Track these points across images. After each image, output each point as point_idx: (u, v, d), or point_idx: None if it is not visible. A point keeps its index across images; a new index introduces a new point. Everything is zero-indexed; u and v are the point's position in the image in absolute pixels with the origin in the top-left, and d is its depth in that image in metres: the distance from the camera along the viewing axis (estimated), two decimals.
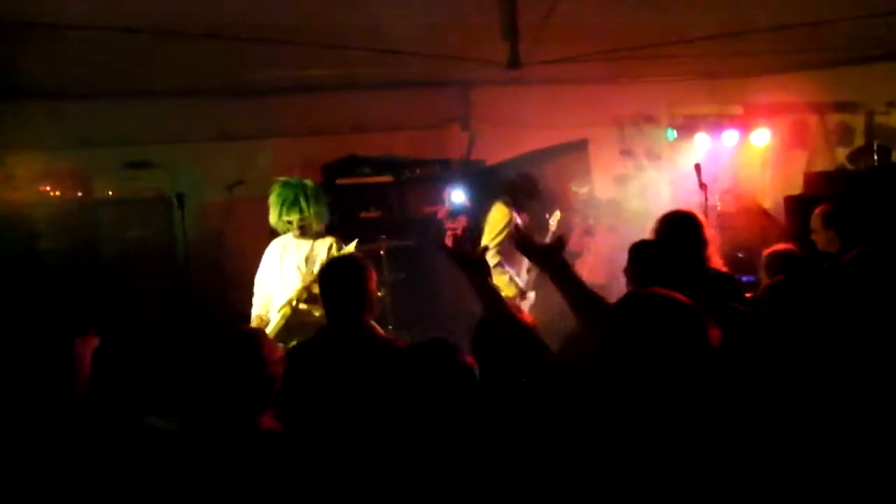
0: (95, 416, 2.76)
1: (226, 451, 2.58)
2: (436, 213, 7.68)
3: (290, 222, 4.98)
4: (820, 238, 5.24)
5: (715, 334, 2.14)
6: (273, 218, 5.05)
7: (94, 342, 3.01)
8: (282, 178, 5.10)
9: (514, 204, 6.55)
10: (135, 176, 7.55)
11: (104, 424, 2.76)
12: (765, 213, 8.00)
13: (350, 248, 4.81)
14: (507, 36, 5.85)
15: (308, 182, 5.08)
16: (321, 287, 3.62)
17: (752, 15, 6.05)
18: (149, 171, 7.58)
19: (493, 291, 3.09)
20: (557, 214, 7.28)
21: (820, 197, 6.26)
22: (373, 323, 3.63)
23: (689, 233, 4.04)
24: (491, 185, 7.36)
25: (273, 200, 5.03)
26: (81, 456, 2.60)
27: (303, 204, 4.93)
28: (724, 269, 4.19)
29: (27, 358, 2.72)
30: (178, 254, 7.18)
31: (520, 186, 6.65)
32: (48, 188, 7.13)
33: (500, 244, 6.37)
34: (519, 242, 3.09)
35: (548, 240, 7.07)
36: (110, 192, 7.44)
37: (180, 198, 6.02)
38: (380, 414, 2.60)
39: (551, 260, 2.95)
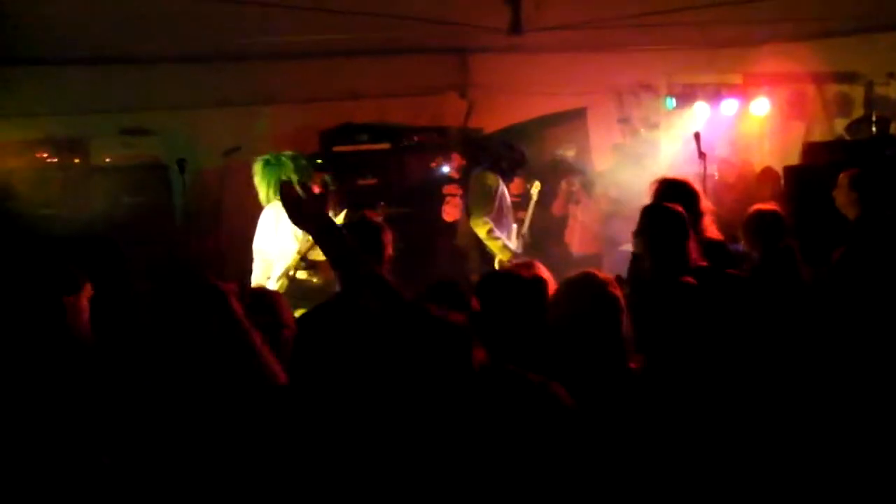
0: (108, 363, 2.80)
1: (241, 404, 2.58)
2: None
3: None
4: (841, 196, 5.31)
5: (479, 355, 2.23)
6: (262, 199, 5.12)
7: (88, 293, 3.03)
8: (262, 158, 5.13)
9: (501, 173, 6.77)
10: (131, 143, 7.51)
11: (116, 371, 2.79)
12: (761, 180, 7.99)
13: (339, 219, 4.81)
14: (509, 1, 5.80)
15: (286, 160, 5.07)
16: None
17: None
18: (145, 138, 7.53)
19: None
20: (537, 184, 7.42)
21: (819, 167, 6.27)
22: None
23: (687, 202, 4.08)
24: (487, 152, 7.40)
25: (258, 181, 5.09)
26: (96, 397, 2.62)
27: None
28: (719, 238, 4.29)
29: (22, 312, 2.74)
30: (176, 220, 7.17)
31: (504, 156, 6.82)
32: (45, 155, 7.10)
33: (491, 211, 6.59)
34: (283, 196, 2.65)
35: (529, 209, 7.23)
36: (108, 160, 7.40)
37: (181, 163, 5.99)
38: (394, 388, 2.46)
39: (314, 216, 2.61)
